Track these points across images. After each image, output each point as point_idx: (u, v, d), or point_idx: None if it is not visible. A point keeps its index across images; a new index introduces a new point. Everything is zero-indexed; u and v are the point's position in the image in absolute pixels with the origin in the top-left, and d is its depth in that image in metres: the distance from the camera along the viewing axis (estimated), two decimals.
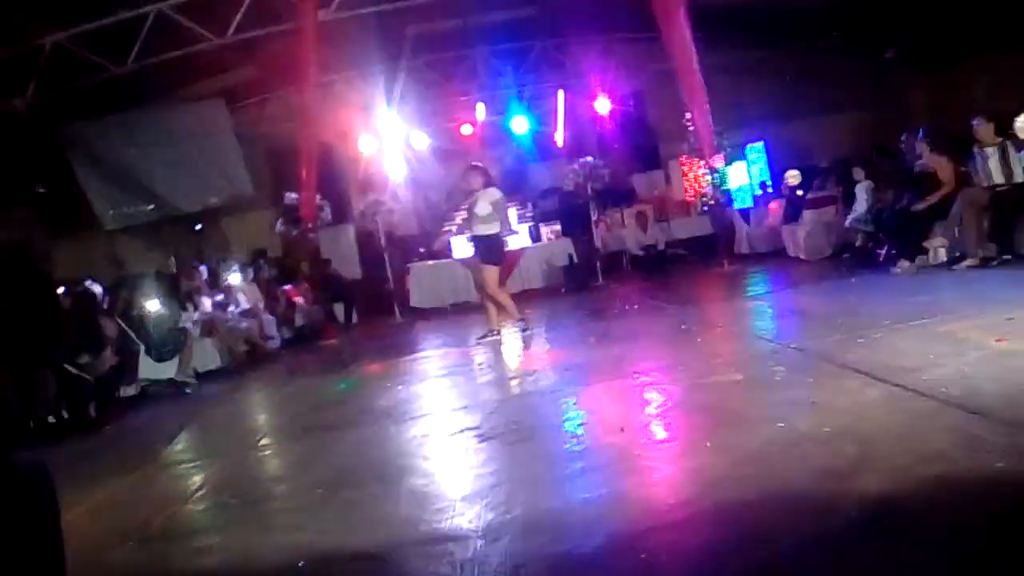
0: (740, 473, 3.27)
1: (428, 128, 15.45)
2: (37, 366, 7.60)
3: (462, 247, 11.93)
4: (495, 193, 8.61)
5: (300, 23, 11.66)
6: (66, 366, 7.67)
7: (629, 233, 14.32)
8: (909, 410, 3.69)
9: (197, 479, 5.20)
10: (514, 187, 14.48)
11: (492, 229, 8.54)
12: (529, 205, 15.29)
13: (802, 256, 11.54)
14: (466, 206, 8.77)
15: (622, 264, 14.48)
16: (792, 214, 12.20)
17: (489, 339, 8.54)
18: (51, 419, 7.53)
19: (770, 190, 14.16)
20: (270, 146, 14.20)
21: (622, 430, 4.31)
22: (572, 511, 3.18)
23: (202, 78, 13.42)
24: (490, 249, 8.64)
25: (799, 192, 12.31)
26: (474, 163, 9.12)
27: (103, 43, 11.40)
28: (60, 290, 9.16)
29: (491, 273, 8.55)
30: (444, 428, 5.29)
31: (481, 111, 15.81)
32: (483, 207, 8.49)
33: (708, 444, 3.78)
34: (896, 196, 9.27)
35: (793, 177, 12.53)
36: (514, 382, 6.56)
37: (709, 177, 13.84)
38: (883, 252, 9.35)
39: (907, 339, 5.20)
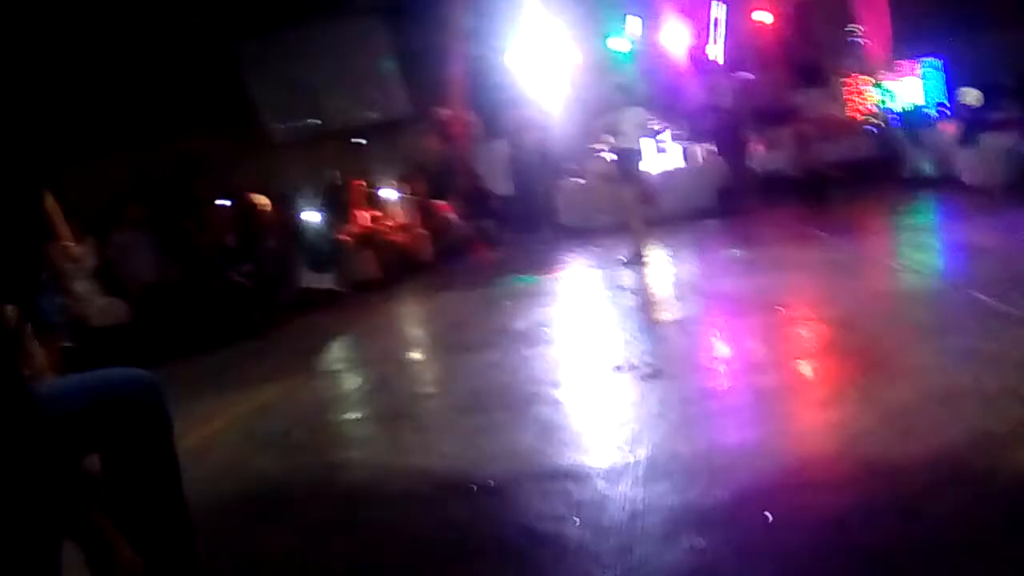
0: (887, 429, 3.03)
1: (579, 43, 15.00)
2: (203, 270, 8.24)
3: (609, 165, 11.70)
4: (640, 112, 8.67)
5: None
6: (229, 274, 8.21)
7: (788, 155, 13.51)
8: None
9: (341, 391, 5.47)
10: (667, 105, 13.92)
11: (634, 146, 8.74)
12: (683, 123, 14.68)
13: (977, 184, 10.54)
14: (611, 125, 8.70)
15: (779, 187, 13.74)
16: (968, 137, 11.10)
17: (634, 262, 8.40)
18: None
19: (946, 111, 12.91)
20: (424, 62, 14.24)
21: (762, 370, 4.12)
22: (698, 458, 3.04)
23: None
24: (631, 166, 8.77)
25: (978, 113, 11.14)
26: (618, 81, 9.02)
27: None
28: (226, 203, 9.75)
29: (627, 193, 8.70)
30: (578, 356, 5.27)
31: (633, 24, 15.17)
32: (627, 126, 8.50)
33: (855, 393, 3.55)
34: None
35: (971, 96, 11.34)
36: (654, 310, 6.43)
37: (877, 95, 12.76)
38: None
39: None
